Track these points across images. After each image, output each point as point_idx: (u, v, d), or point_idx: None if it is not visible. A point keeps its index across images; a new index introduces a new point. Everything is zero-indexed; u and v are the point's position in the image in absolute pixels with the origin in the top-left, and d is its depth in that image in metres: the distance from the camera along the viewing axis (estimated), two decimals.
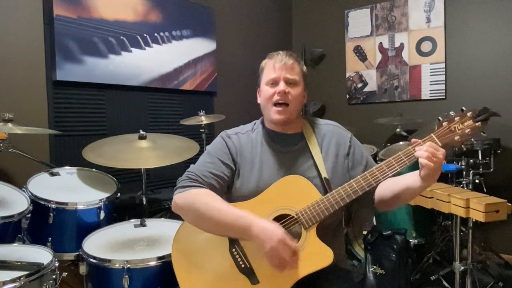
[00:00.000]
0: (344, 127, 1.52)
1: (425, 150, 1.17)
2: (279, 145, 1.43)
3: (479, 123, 1.23)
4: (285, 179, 1.33)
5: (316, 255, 1.23)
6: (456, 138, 1.23)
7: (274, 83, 1.39)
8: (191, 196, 1.30)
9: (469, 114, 1.24)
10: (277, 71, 1.38)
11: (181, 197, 1.31)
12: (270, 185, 1.33)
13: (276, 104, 1.38)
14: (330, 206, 1.25)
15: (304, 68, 1.46)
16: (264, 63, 1.46)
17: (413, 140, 1.24)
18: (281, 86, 1.37)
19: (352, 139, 1.46)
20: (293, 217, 1.28)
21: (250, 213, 1.24)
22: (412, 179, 1.25)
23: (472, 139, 1.29)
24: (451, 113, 1.25)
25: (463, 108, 1.26)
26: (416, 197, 1.31)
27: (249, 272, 1.26)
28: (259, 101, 1.48)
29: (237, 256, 1.28)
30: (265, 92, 1.42)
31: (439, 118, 1.27)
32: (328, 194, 1.27)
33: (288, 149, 1.42)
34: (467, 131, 1.23)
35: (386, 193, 1.33)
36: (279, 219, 1.30)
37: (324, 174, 1.35)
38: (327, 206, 1.25)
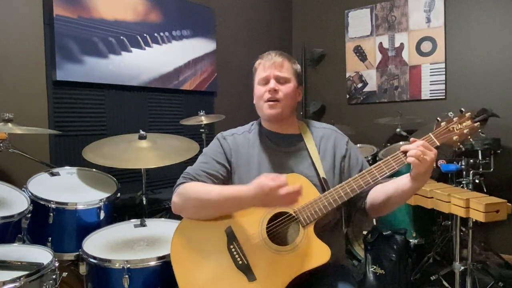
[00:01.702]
0: (344, 127, 1.52)
1: (415, 148, 1.18)
2: (277, 145, 1.45)
3: (478, 123, 1.24)
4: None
5: (313, 253, 1.24)
6: (455, 138, 1.25)
7: (265, 82, 1.41)
8: (183, 190, 1.35)
9: (467, 114, 1.26)
10: (266, 70, 1.41)
11: (176, 195, 1.36)
12: None
13: (267, 101, 1.40)
14: (328, 204, 1.27)
15: (297, 66, 1.47)
16: (256, 63, 1.47)
17: (411, 139, 1.25)
18: (271, 84, 1.39)
19: (349, 143, 1.48)
20: (291, 214, 1.29)
21: (237, 186, 1.27)
22: (403, 180, 1.26)
23: (471, 140, 1.30)
24: (450, 113, 1.27)
25: (462, 109, 1.27)
26: (409, 199, 1.32)
27: (246, 269, 1.27)
28: (254, 101, 1.49)
29: (234, 253, 1.29)
30: (257, 92, 1.44)
31: (438, 118, 1.28)
32: (326, 192, 1.29)
33: (286, 149, 1.44)
34: (465, 131, 1.25)
35: (378, 196, 1.34)
36: (277, 216, 1.31)
37: (322, 174, 1.37)
38: (325, 204, 1.27)
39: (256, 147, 1.45)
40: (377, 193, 1.34)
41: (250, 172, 1.41)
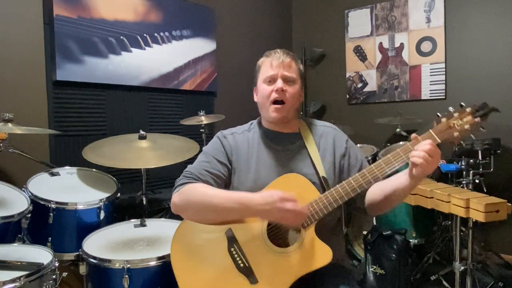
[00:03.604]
0: (344, 127, 1.52)
1: (422, 149, 1.16)
2: (276, 144, 1.43)
3: (478, 118, 1.21)
4: (284, 177, 1.33)
5: (315, 254, 1.23)
6: (455, 134, 1.22)
7: (271, 80, 1.39)
8: (187, 191, 1.31)
9: (468, 110, 1.23)
10: (274, 69, 1.38)
11: (178, 195, 1.32)
12: (267, 183, 1.33)
13: (274, 102, 1.38)
14: (329, 204, 1.25)
15: (301, 67, 1.46)
16: (261, 61, 1.45)
17: (412, 135, 1.23)
18: (279, 83, 1.36)
19: (348, 141, 1.47)
20: None
21: (244, 192, 1.25)
22: (400, 180, 1.25)
23: (473, 137, 1.25)
24: (450, 109, 1.24)
25: (462, 104, 1.24)
26: (407, 197, 1.28)
27: (247, 272, 1.26)
28: (255, 99, 1.48)
29: (236, 256, 1.28)
30: (262, 90, 1.41)
31: (438, 114, 1.26)
32: (326, 192, 1.27)
33: (286, 147, 1.42)
34: (466, 127, 1.21)
35: (376, 196, 1.33)
36: None
37: (322, 173, 1.36)
38: (325, 205, 1.25)
39: (255, 146, 1.43)
40: (375, 193, 1.33)
41: (249, 171, 1.39)
